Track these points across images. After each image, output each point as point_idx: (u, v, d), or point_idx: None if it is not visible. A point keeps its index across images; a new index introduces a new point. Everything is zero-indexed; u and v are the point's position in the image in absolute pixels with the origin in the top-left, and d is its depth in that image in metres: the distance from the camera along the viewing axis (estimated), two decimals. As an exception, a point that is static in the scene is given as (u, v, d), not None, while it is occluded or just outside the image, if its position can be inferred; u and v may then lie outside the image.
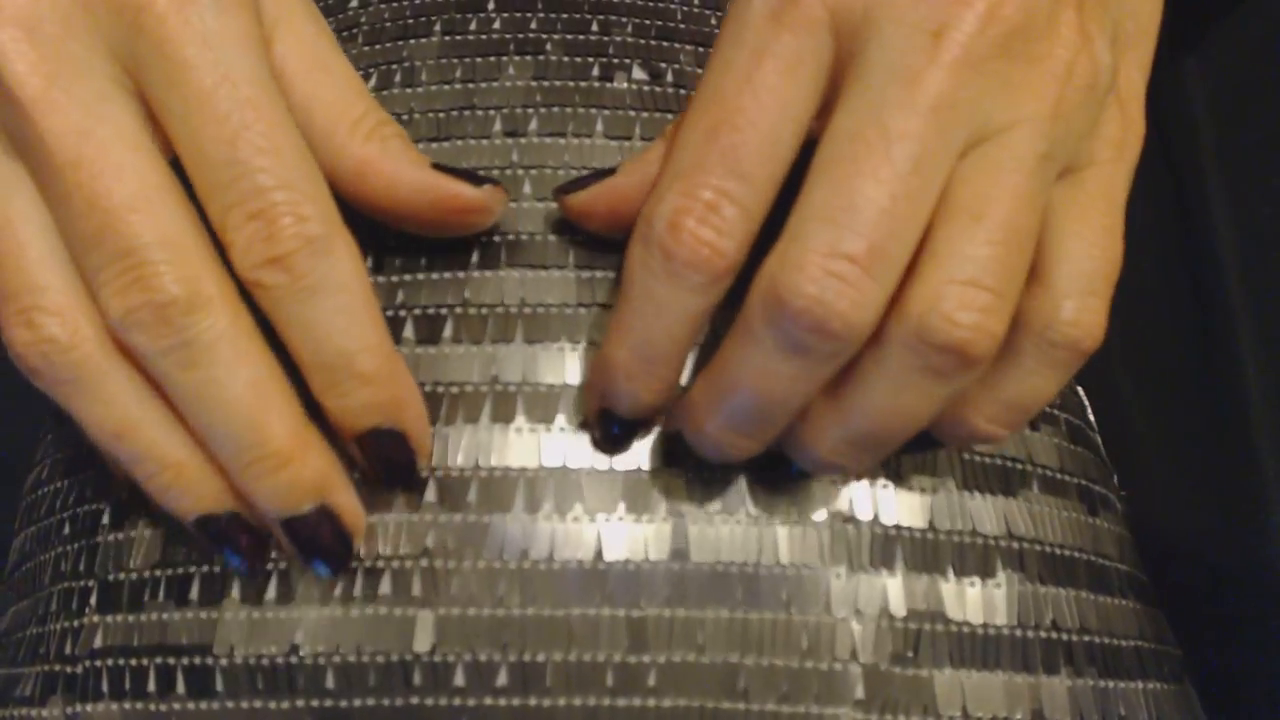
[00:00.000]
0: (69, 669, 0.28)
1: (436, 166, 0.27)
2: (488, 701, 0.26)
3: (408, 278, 0.29)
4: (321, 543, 0.25)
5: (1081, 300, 0.24)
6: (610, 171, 0.27)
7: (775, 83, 0.23)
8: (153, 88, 0.24)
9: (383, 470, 0.26)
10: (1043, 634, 0.28)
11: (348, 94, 0.27)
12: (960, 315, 0.22)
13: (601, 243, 0.29)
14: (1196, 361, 0.38)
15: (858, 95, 0.22)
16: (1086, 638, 0.29)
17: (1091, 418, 0.36)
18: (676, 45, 0.32)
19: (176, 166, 0.24)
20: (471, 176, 0.27)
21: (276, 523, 0.25)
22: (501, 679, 0.26)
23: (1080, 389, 0.36)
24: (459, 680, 0.26)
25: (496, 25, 0.32)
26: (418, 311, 0.28)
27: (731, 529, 0.27)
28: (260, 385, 0.24)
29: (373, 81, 0.32)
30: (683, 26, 0.33)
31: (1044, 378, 0.24)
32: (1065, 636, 0.28)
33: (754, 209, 0.23)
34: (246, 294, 0.24)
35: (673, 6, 0.33)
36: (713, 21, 0.33)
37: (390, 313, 0.29)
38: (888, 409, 0.23)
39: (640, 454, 0.27)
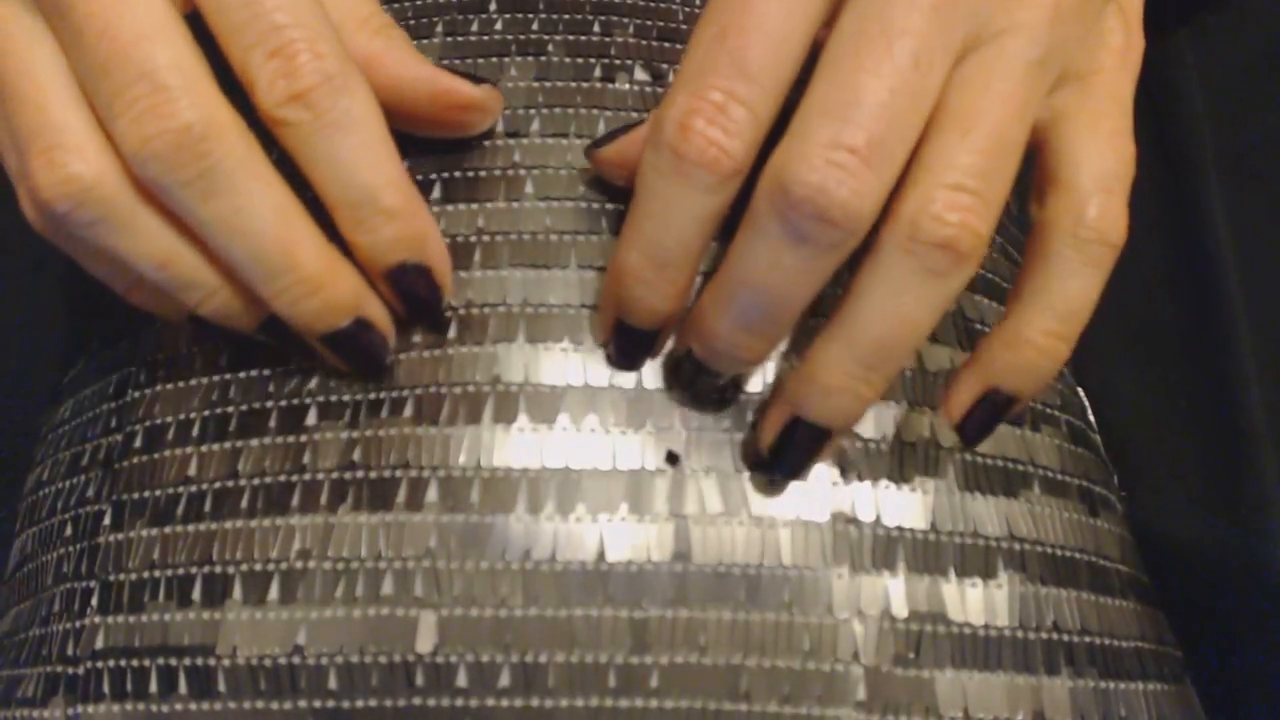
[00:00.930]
0: (70, 670, 0.28)
1: (438, 65, 0.28)
2: (490, 702, 0.26)
3: None
4: (360, 349, 0.27)
5: (1104, 198, 0.25)
6: (639, 123, 0.28)
7: None
8: None
9: (410, 307, 0.27)
10: (1044, 635, 0.28)
11: None
12: (947, 214, 0.23)
13: (604, 242, 0.29)
14: (1196, 361, 0.38)
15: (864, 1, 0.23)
16: (1087, 639, 0.29)
17: (1092, 418, 0.36)
18: (678, 46, 0.32)
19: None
20: (471, 76, 0.28)
21: (315, 338, 0.26)
22: (504, 680, 0.26)
23: (1080, 390, 0.36)
24: (461, 681, 0.26)
25: (498, 26, 0.32)
26: None
27: (734, 530, 0.27)
28: (284, 211, 0.25)
29: (374, 82, 0.32)
30: (684, 27, 0.33)
31: (1084, 277, 0.25)
32: (1066, 637, 0.28)
33: (762, 111, 0.24)
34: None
35: (674, 7, 0.33)
36: (714, 22, 0.33)
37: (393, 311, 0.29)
38: (889, 314, 0.24)
39: (642, 454, 0.27)
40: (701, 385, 0.28)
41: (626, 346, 0.27)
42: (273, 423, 0.28)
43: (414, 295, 0.27)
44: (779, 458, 0.27)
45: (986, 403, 0.26)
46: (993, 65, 0.24)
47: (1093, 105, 0.25)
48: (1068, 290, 0.25)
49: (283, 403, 0.28)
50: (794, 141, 0.23)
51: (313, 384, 0.28)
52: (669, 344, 0.28)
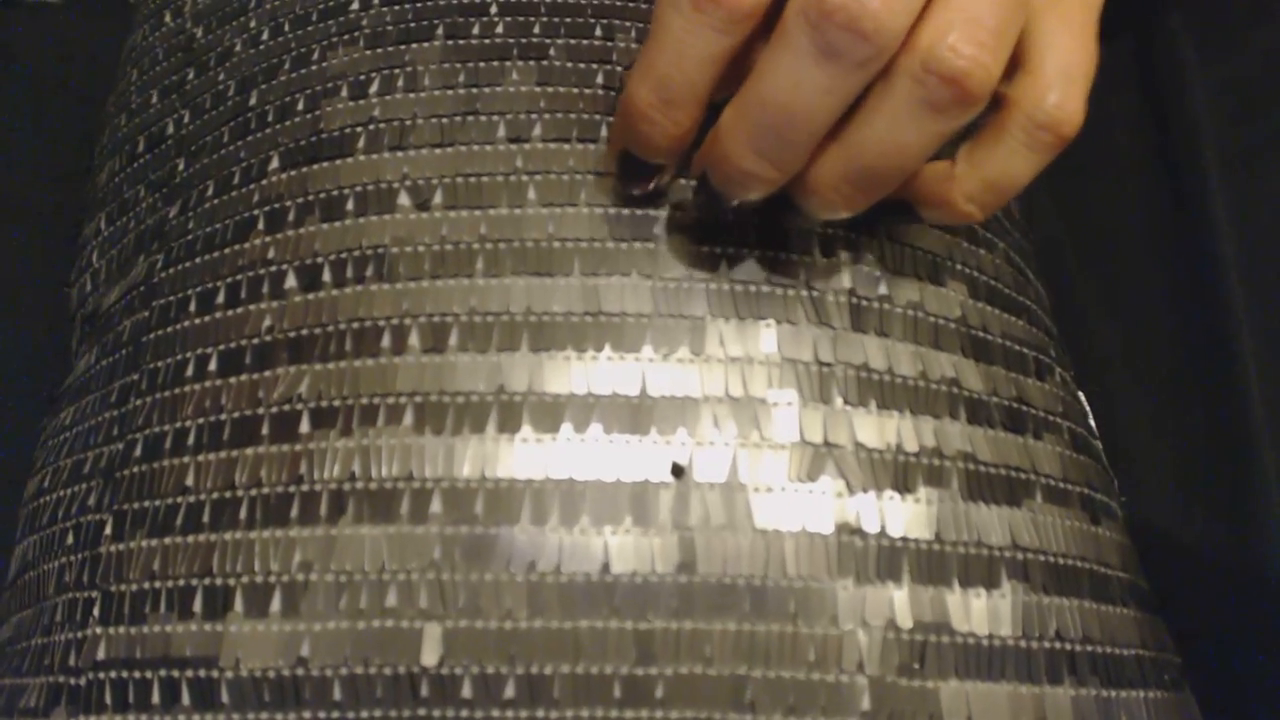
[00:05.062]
0: (73, 680, 0.28)
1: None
2: (495, 714, 0.26)
3: (413, 285, 0.29)
4: None
5: (1065, 87, 0.26)
6: None
7: None
8: None
9: None
10: (1047, 644, 0.28)
11: None
12: (963, 46, 0.23)
13: (608, 250, 0.29)
14: (1197, 363, 0.38)
15: None
16: (1089, 647, 0.29)
17: (1093, 424, 0.36)
18: (681, 50, 0.32)
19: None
20: None
21: None
22: (509, 691, 0.26)
23: (1082, 395, 0.36)
24: (466, 692, 0.26)
25: (499, 29, 0.32)
26: (423, 320, 0.28)
27: (738, 541, 0.27)
28: None
29: (375, 86, 0.32)
30: (687, 31, 0.32)
31: (1025, 159, 0.26)
32: (1069, 646, 0.28)
33: None
34: None
35: (677, 10, 0.33)
36: (717, 25, 0.33)
37: (395, 321, 0.28)
38: (887, 141, 0.25)
39: (647, 466, 0.27)
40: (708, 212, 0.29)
41: (631, 174, 0.28)
42: (266, 430, 0.28)
43: None
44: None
45: (898, 206, 0.28)
46: None
47: (1065, 5, 0.26)
48: (1004, 167, 0.26)
49: (274, 409, 0.28)
50: None
51: (303, 388, 0.28)
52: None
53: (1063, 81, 0.26)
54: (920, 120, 0.24)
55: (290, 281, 0.30)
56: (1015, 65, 0.26)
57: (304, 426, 0.28)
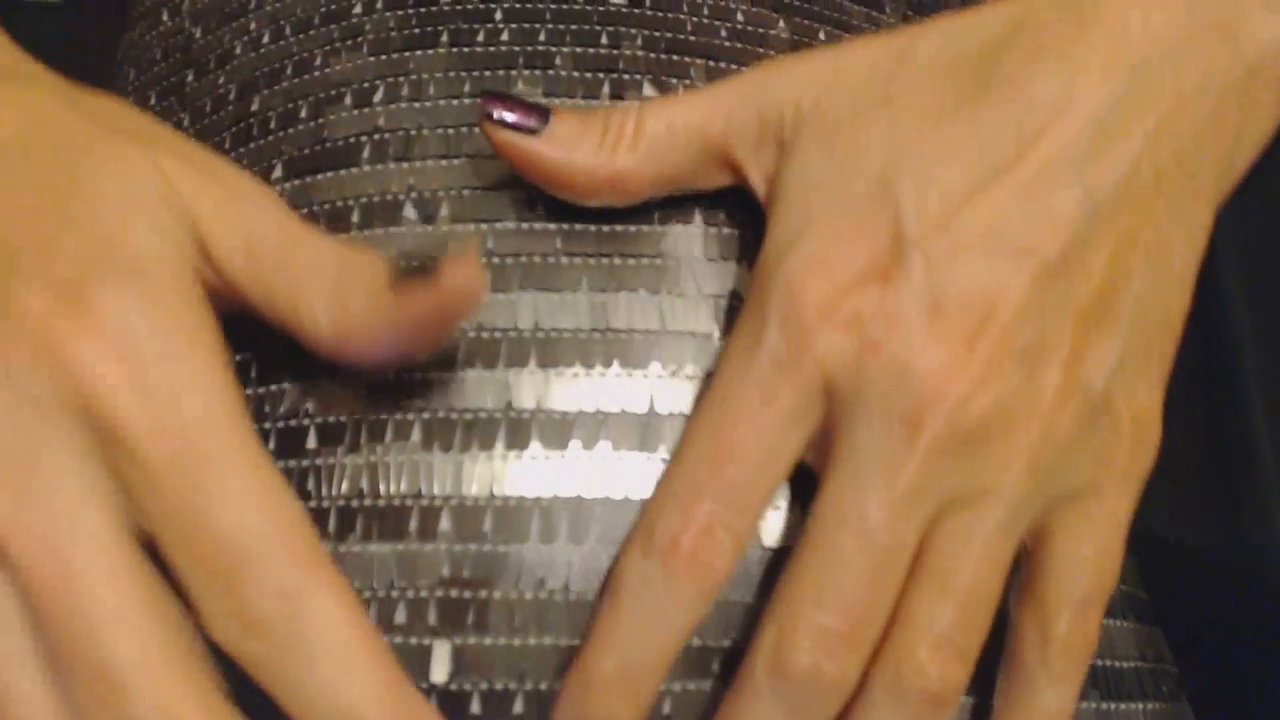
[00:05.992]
0: None
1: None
2: None
3: None
4: None
5: (1073, 616, 0.26)
6: (543, 113, 0.28)
7: (775, 427, 0.25)
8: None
9: None
10: None
11: None
12: (929, 668, 0.24)
13: (615, 266, 0.29)
14: (1197, 363, 0.38)
15: (843, 478, 0.25)
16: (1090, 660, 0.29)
17: (1094, 432, 0.36)
18: (687, 59, 0.32)
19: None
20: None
21: None
22: (518, 707, 0.26)
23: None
24: (475, 709, 0.26)
25: (505, 37, 0.32)
26: None
27: (746, 559, 0.27)
28: None
29: (379, 94, 0.31)
30: (693, 39, 0.32)
31: (1057, 690, 0.26)
32: (1070, 659, 0.29)
33: (745, 534, 0.25)
34: None
35: (682, 17, 0.32)
36: (723, 33, 0.32)
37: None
38: None
39: (655, 482, 0.27)
40: None
41: None
42: (272, 445, 0.28)
43: None
44: None
45: None
46: (962, 532, 0.25)
47: (1083, 525, 0.26)
48: (1044, 703, 0.26)
49: (280, 424, 0.28)
50: (785, 625, 0.25)
51: (310, 405, 0.28)
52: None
53: (1070, 611, 0.26)
54: None
55: None
56: (1025, 587, 0.26)
57: (311, 442, 0.28)
